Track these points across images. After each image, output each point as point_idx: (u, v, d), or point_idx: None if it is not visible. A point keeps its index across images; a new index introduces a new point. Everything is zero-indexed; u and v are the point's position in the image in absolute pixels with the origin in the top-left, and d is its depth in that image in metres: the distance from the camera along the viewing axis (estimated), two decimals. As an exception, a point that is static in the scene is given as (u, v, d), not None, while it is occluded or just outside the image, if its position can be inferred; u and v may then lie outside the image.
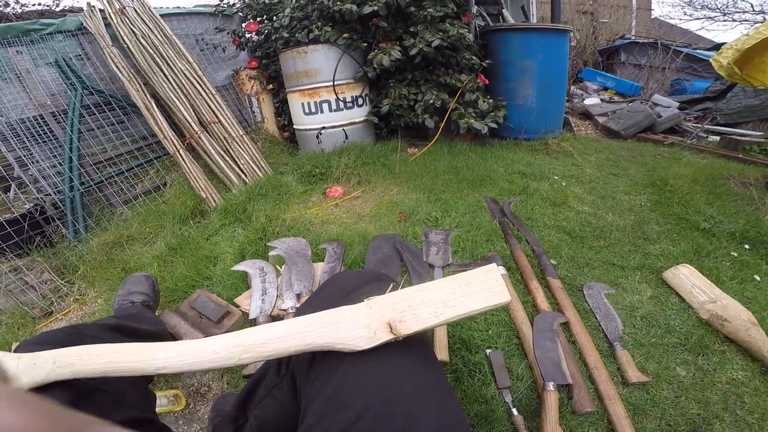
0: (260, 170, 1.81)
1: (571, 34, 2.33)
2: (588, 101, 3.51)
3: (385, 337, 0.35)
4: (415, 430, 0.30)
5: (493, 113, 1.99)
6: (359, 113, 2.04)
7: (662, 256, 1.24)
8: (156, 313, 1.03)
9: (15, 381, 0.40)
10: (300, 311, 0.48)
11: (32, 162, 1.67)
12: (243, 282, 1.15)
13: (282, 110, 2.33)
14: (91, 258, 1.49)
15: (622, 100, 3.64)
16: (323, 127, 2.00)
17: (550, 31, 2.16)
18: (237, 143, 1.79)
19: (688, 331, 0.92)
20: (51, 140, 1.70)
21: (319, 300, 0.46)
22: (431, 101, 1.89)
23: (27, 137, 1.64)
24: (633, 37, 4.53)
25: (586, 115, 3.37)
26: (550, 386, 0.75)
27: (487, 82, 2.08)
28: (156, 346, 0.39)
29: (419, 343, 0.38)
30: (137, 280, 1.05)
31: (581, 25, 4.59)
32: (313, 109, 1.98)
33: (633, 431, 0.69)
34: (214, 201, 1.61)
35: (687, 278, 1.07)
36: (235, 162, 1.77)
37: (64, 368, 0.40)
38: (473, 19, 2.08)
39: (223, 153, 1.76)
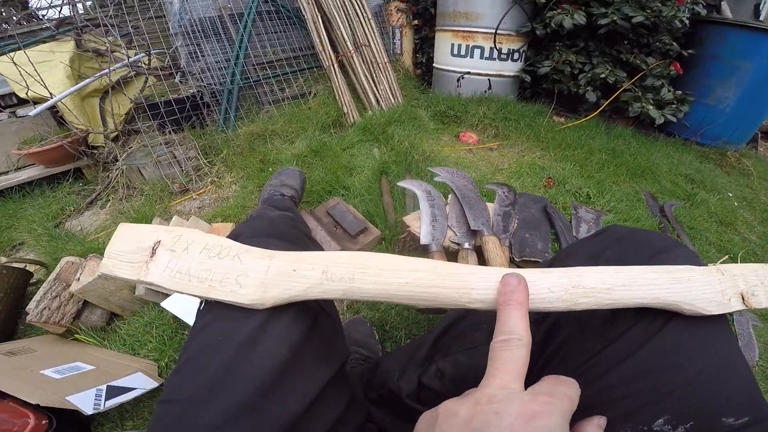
0: (394, 99, 1.80)
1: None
2: (780, 122, 2.78)
3: (737, 306, 0.31)
4: (743, 398, 0.28)
5: (675, 105, 1.70)
6: (511, 67, 1.88)
7: (825, 310, 1.04)
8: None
9: (256, 291, 0.29)
10: (573, 259, 0.40)
11: (202, 55, 1.85)
12: (380, 200, 1.14)
13: (420, 47, 2.28)
14: (235, 144, 1.62)
15: (829, 131, 2.80)
16: (468, 72, 1.89)
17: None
18: (380, 69, 1.78)
19: (818, 379, 0.85)
20: (223, 39, 1.84)
21: (613, 251, 0.38)
22: (603, 75, 1.68)
23: (205, 33, 1.80)
24: None
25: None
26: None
27: (681, 72, 1.76)
28: (471, 271, 0.29)
29: (727, 319, 0.34)
30: (292, 173, 1.06)
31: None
32: (463, 52, 1.86)
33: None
34: (353, 117, 1.64)
35: None
36: (376, 86, 1.77)
37: (338, 283, 0.29)
38: (687, 4, 1.74)
39: (368, 75, 1.76)
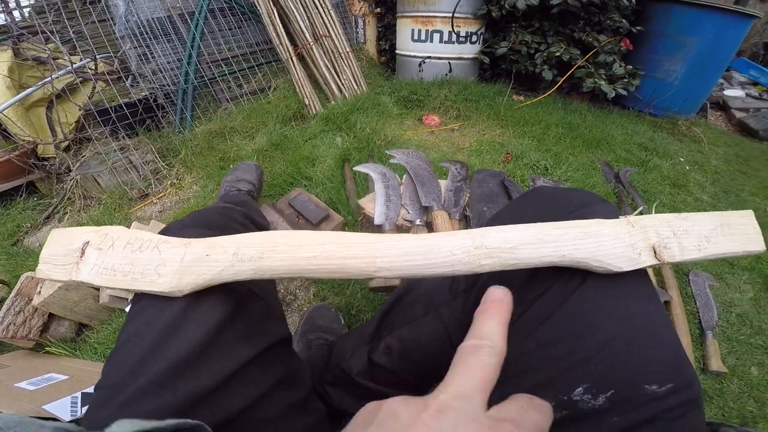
0: (359, 88, 1.79)
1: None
2: (729, 92, 2.95)
3: (649, 261, 0.29)
4: (666, 363, 0.26)
5: (626, 80, 1.77)
6: (470, 50, 1.91)
7: (775, 264, 1.11)
8: (254, 207, 0.97)
9: (173, 279, 0.30)
10: (500, 221, 0.40)
11: (153, 56, 1.78)
12: (342, 187, 1.14)
13: (384, 35, 2.28)
14: (193, 144, 1.57)
15: (775, 99, 3.00)
16: (429, 57, 1.91)
17: (733, 13, 1.80)
18: (342, 59, 1.76)
19: (777, 338, 0.91)
20: (174, 39, 1.79)
21: (535, 211, 0.37)
22: (558, 54, 1.73)
23: (154, 35, 1.74)
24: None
25: (719, 105, 2.88)
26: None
27: (632, 48, 1.83)
28: (377, 239, 0.29)
29: (648, 276, 0.32)
30: (248, 167, 1.04)
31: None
32: (423, 37, 1.88)
33: (696, 414, 0.72)
34: (315, 108, 1.62)
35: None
36: (338, 76, 1.75)
37: (247, 263, 0.29)
38: None
39: (329, 65, 1.74)
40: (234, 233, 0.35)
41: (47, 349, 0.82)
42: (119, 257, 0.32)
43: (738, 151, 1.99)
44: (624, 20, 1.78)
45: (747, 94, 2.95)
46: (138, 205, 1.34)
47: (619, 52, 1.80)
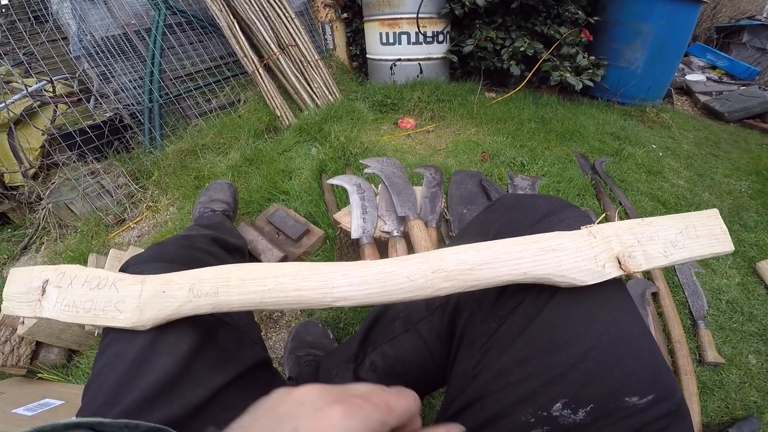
0: (332, 95, 1.77)
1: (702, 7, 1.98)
2: (690, 77, 3.08)
3: (614, 272, 0.28)
4: (645, 374, 0.26)
5: (591, 71, 1.80)
6: (438, 49, 1.92)
7: (756, 246, 1.14)
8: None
9: (133, 315, 0.31)
10: (467, 235, 0.40)
11: (113, 76, 1.72)
12: (321, 199, 1.11)
13: (353, 40, 2.27)
14: (166, 164, 1.52)
15: (732, 81, 3.15)
16: (399, 59, 1.91)
17: (681, -1, 1.86)
18: (312, 67, 1.74)
19: (770, 323, 0.91)
20: (133, 57, 1.74)
21: (502, 223, 0.36)
22: (522, 48, 1.75)
23: (111, 53, 1.69)
24: (764, 20, 3.84)
25: (683, 90, 2.99)
26: (637, 352, 0.73)
27: (591, 39, 1.87)
28: (333, 269, 0.30)
29: (622, 283, 0.31)
30: (220, 187, 1.01)
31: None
32: (391, 40, 1.88)
33: (699, 408, 0.71)
34: (288, 119, 1.59)
35: (783, 274, 0.97)
36: (309, 85, 1.73)
37: (204, 298, 0.30)
38: None
39: (298, 75, 1.72)
40: (196, 263, 0.36)
41: (40, 375, 0.83)
42: (79, 295, 0.32)
43: (707, 134, 2.05)
44: (581, 11, 1.82)
45: (708, 78, 3.09)
46: (115, 231, 1.30)
47: (581, 44, 1.84)
